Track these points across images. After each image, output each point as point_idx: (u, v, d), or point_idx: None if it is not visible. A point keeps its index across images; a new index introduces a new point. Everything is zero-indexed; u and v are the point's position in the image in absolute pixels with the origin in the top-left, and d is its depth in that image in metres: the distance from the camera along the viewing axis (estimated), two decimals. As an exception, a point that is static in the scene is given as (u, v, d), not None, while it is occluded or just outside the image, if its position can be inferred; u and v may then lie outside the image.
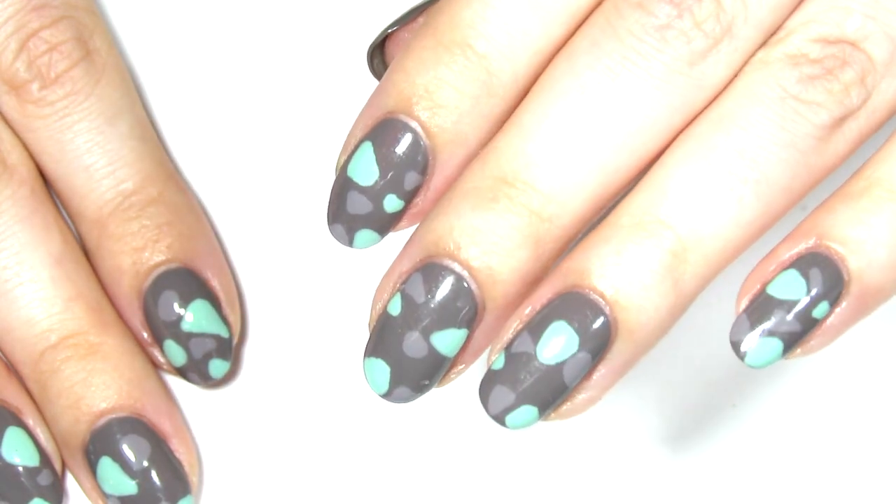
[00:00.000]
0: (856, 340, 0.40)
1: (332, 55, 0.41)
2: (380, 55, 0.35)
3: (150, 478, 0.37)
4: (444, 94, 0.29)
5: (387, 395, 0.29)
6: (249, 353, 0.41)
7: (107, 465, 0.36)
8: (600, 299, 0.28)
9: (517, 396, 0.29)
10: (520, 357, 0.29)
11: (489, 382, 0.29)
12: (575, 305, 0.28)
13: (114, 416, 0.37)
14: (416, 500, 0.40)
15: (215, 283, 0.38)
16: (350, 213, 0.29)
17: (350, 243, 0.30)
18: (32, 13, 0.36)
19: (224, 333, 0.38)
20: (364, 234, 0.30)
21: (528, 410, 0.29)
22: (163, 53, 0.41)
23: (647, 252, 0.28)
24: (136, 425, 0.37)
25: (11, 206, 0.37)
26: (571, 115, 0.28)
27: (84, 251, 0.38)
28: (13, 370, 0.37)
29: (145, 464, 0.37)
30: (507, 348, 0.29)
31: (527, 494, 0.40)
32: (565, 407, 0.29)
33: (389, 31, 0.34)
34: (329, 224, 0.30)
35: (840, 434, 0.40)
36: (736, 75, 0.28)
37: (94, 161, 0.37)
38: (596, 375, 0.29)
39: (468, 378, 0.37)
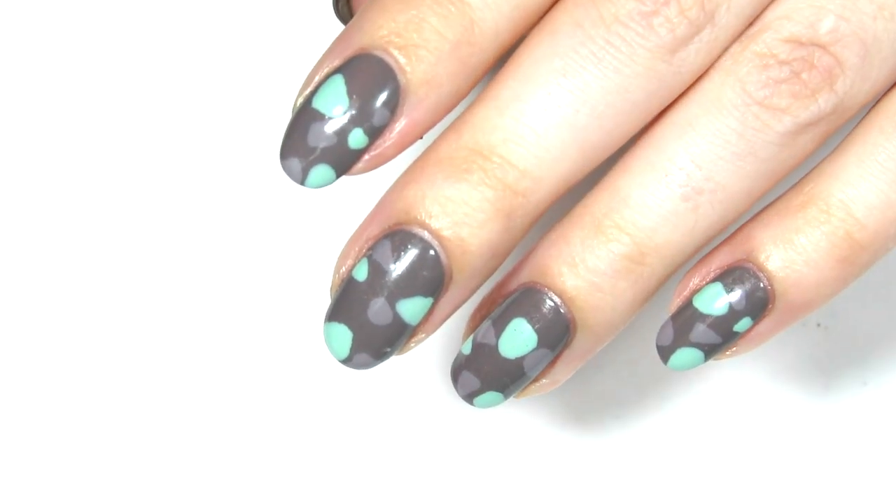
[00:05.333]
0: (855, 341, 0.42)
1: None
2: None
3: None
4: (426, 33, 0.29)
5: (347, 361, 0.31)
6: (249, 353, 0.42)
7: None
8: (558, 298, 0.31)
9: (482, 383, 0.31)
10: (483, 348, 0.31)
11: (459, 367, 0.32)
12: (534, 303, 0.31)
13: None
14: (413, 500, 0.41)
15: None
16: (310, 146, 0.30)
17: (303, 180, 0.30)
18: None
19: None
20: (320, 171, 0.30)
21: (494, 395, 0.32)
22: (163, 53, 0.42)
23: (605, 255, 0.30)
24: None
25: None
26: (552, 95, 0.30)
27: None
28: None
29: None
30: (474, 336, 0.31)
31: (524, 492, 0.42)
32: (529, 389, 0.32)
33: (356, -25, 0.35)
34: (282, 158, 0.30)
35: (838, 431, 0.42)
36: (713, 63, 0.30)
37: None
38: (557, 365, 0.32)
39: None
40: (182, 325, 0.43)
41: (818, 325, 0.42)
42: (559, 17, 0.30)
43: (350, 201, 0.39)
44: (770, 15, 0.30)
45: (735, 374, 0.42)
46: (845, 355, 0.42)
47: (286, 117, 0.41)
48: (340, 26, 0.37)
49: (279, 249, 0.42)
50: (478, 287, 0.31)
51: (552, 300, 0.31)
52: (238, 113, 0.42)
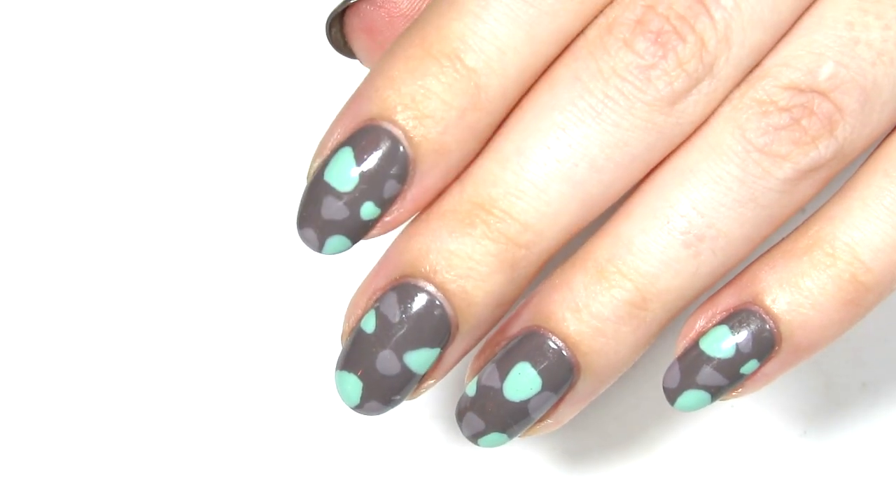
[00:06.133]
0: (855, 342, 0.43)
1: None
2: (338, 25, 0.36)
3: None
4: (431, 104, 0.30)
5: (358, 408, 0.32)
6: (248, 354, 0.42)
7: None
8: (562, 343, 0.31)
9: (486, 425, 0.32)
10: (488, 390, 0.32)
11: (463, 408, 0.32)
12: (538, 347, 0.31)
13: None
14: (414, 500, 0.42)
15: None
16: (324, 219, 0.30)
17: (320, 249, 0.31)
18: None
19: None
20: (335, 241, 0.31)
21: (498, 436, 0.32)
22: (161, 53, 0.42)
23: (608, 301, 0.31)
24: None
25: None
26: (552, 150, 0.30)
27: None
28: None
29: None
30: (479, 378, 0.32)
31: (523, 495, 0.42)
32: (534, 429, 0.33)
33: (350, 1, 0.35)
34: (299, 228, 0.31)
35: (838, 432, 0.43)
36: (713, 112, 0.30)
37: None
38: (561, 407, 0.32)
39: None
40: (197, 367, 0.43)
41: (817, 327, 0.42)
42: (559, 70, 0.30)
43: (363, 245, 0.40)
44: (769, 62, 0.30)
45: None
46: (845, 356, 0.42)
47: (298, 153, 0.42)
48: (346, 68, 0.37)
49: (292, 291, 0.42)
50: (485, 335, 0.31)
51: (556, 344, 0.31)
52: (251, 156, 0.43)
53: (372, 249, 0.33)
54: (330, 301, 0.42)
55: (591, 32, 0.30)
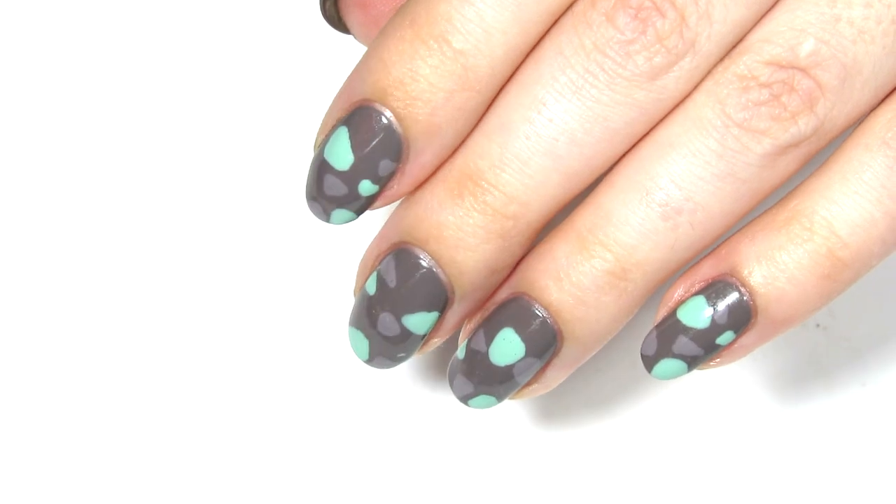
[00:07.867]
0: (854, 341, 0.43)
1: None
2: (332, 0, 0.37)
3: None
4: (419, 87, 0.31)
5: (369, 362, 0.33)
6: (248, 353, 0.43)
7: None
8: (545, 310, 0.32)
9: (475, 387, 0.33)
10: (475, 354, 0.33)
11: (454, 370, 0.33)
12: (522, 313, 0.32)
13: None
14: (414, 500, 0.43)
15: None
16: (327, 195, 0.32)
17: (327, 220, 0.32)
18: None
19: None
20: (340, 213, 0.32)
21: (486, 398, 0.33)
22: (152, 33, 0.43)
23: (589, 271, 0.31)
24: None
25: None
26: (533, 124, 0.31)
27: None
28: None
29: None
30: (468, 342, 0.33)
31: (523, 493, 0.43)
32: (522, 392, 0.34)
33: (344, -25, 0.37)
34: (307, 199, 0.32)
35: (838, 432, 0.43)
36: (695, 87, 0.31)
37: None
38: (547, 372, 0.33)
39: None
40: (197, 331, 0.44)
41: (817, 325, 0.43)
42: (544, 44, 0.31)
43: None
44: (751, 38, 0.31)
45: (734, 374, 0.43)
46: (844, 356, 0.43)
47: (304, 115, 0.43)
48: (342, 45, 0.37)
49: (321, 286, 0.43)
50: (485, 297, 0.33)
51: (539, 312, 0.32)
52: (249, 133, 0.43)
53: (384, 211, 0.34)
54: (346, 257, 0.43)
55: (577, 6, 0.31)
